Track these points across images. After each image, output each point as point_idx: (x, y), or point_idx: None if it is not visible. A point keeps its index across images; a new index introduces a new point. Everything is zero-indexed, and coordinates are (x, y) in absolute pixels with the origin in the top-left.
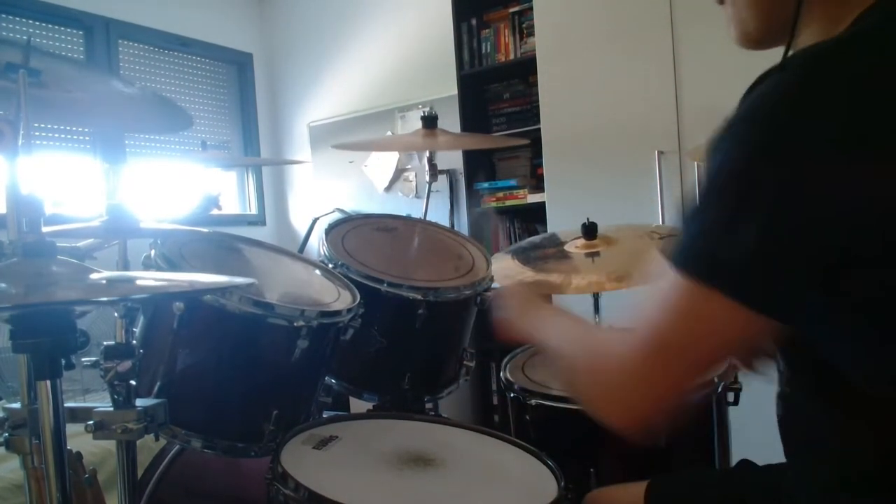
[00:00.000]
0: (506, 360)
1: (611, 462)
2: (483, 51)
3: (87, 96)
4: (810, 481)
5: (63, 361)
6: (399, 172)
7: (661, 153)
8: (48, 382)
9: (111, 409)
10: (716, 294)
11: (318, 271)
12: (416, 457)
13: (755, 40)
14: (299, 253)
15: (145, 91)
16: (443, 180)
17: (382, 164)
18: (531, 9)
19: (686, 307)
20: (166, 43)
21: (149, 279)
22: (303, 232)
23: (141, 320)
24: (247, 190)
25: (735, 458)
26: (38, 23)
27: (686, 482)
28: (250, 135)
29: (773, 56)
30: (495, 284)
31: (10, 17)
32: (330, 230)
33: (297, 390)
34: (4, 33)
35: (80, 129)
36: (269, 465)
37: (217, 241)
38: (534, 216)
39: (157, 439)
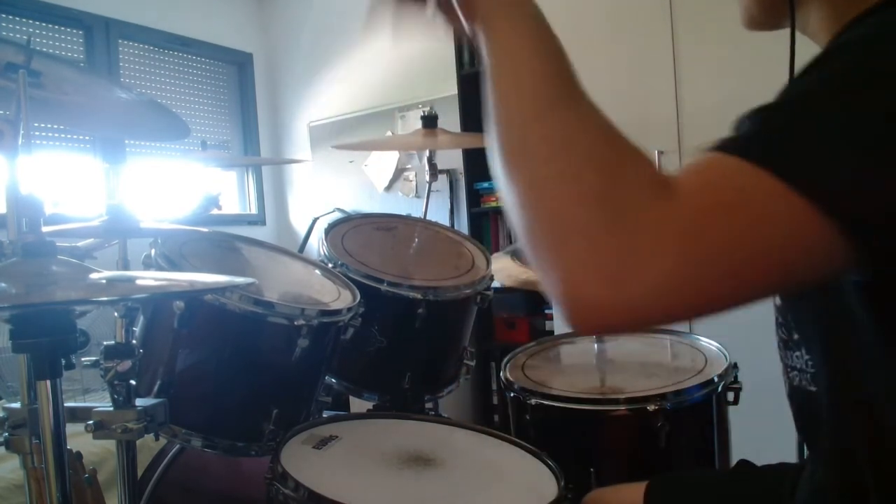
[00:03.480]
0: (506, 359)
1: (611, 462)
2: None
3: (85, 100)
4: (836, 484)
5: (63, 361)
6: (399, 172)
7: (661, 153)
8: (48, 382)
9: (111, 408)
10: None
11: (317, 271)
12: (416, 457)
13: (759, 22)
14: (299, 253)
15: (143, 97)
16: (443, 180)
17: (382, 163)
18: None
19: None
20: (166, 43)
21: (149, 279)
22: (303, 232)
23: (141, 320)
24: (247, 190)
25: (735, 458)
26: (38, 23)
27: (685, 483)
28: (250, 135)
29: (773, 55)
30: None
31: (10, 17)
32: (330, 230)
33: (297, 390)
34: (4, 33)
35: (80, 130)
36: (269, 464)
37: (217, 241)
38: None
39: (157, 439)
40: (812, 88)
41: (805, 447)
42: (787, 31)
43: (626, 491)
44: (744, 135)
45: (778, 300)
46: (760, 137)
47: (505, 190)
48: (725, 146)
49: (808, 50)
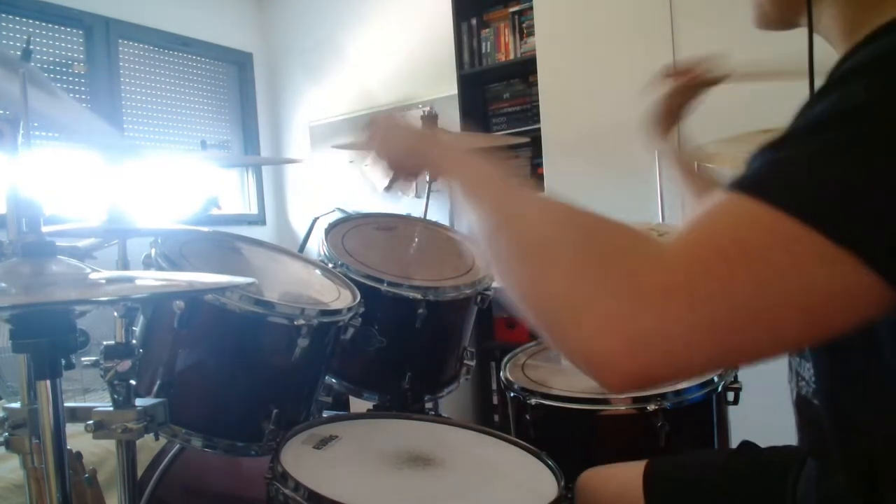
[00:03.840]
0: (506, 359)
1: (611, 462)
2: (483, 51)
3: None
4: (850, 493)
5: (63, 361)
6: None
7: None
8: (48, 382)
9: (111, 408)
10: (850, 257)
11: (318, 271)
12: (416, 457)
13: (772, 20)
14: (299, 252)
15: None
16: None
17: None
18: (531, 9)
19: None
20: (166, 43)
21: (149, 279)
22: (303, 232)
23: (141, 320)
24: (247, 189)
25: None
26: (38, 23)
27: (685, 463)
28: (250, 134)
29: (774, 55)
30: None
31: (11, 17)
32: (330, 230)
33: (297, 389)
34: (4, 33)
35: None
36: (269, 464)
37: (217, 241)
38: None
39: (157, 439)
40: (827, 117)
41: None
42: (791, 32)
43: (621, 470)
44: (752, 173)
45: None
46: (769, 175)
47: (510, 290)
48: (733, 186)
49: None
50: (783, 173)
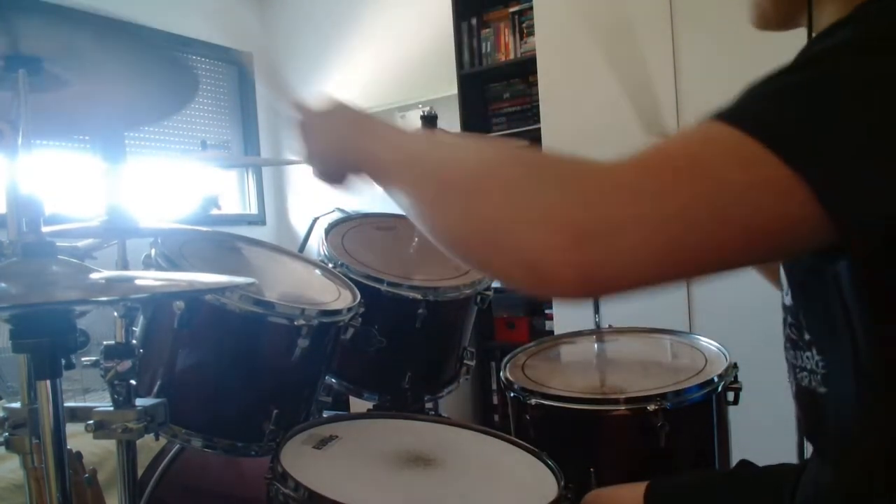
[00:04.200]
0: (506, 359)
1: (611, 462)
2: (483, 50)
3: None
4: (844, 485)
5: (63, 361)
6: None
7: None
8: (48, 382)
9: (111, 408)
10: (801, 183)
11: (318, 271)
12: (416, 457)
13: (771, 20)
14: (299, 252)
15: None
16: None
17: None
18: (531, 9)
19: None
20: (166, 43)
21: (149, 279)
22: (303, 232)
23: (141, 320)
24: (247, 190)
25: (735, 459)
26: None
27: (685, 483)
28: (250, 135)
29: (774, 55)
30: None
31: None
32: (330, 230)
33: (297, 389)
34: None
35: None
36: (269, 464)
37: (217, 241)
38: None
39: (157, 439)
40: (801, 60)
41: (805, 448)
42: (791, 32)
43: (625, 491)
44: (720, 106)
45: (788, 300)
46: (735, 104)
47: (438, 229)
48: (704, 118)
49: None
50: (750, 103)
